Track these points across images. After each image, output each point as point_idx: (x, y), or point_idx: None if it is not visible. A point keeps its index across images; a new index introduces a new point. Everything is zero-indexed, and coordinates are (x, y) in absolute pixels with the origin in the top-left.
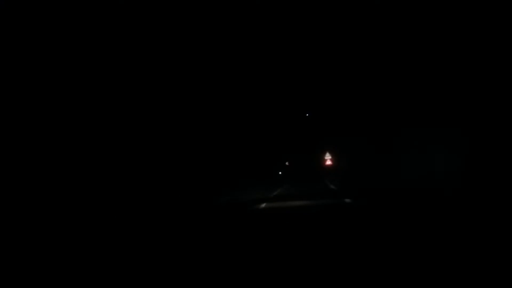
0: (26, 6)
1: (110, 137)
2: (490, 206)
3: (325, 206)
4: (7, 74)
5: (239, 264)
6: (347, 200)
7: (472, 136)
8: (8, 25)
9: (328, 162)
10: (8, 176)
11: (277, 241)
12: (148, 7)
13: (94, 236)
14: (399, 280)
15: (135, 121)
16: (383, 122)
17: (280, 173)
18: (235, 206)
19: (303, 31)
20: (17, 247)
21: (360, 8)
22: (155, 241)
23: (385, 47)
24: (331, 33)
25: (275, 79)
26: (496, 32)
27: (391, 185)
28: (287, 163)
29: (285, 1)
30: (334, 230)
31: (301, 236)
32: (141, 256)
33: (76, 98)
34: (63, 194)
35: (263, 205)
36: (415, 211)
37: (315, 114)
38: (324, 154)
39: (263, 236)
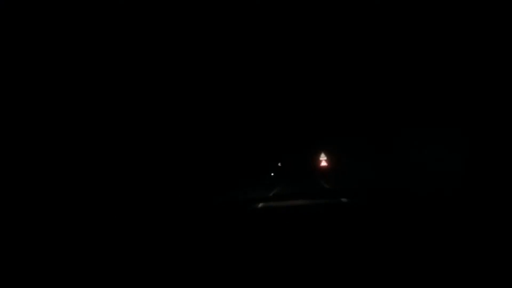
0: (26, 6)
1: (110, 137)
2: (490, 206)
3: (321, 206)
4: (7, 74)
5: (236, 264)
6: (344, 200)
7: (472, 136)
8: (8, 25)
9: (323, 163)
10: (7, 176)
11: (269, 240)
12: (148, 7)
13: (93, 235)
14: (398, 280)
15: (134, 122)
16: (382, 122)
17: (272, 174)
18: (228, 207)
19: (299, 28)
20: (17, 247)
21: (361, 7)
22: (152, 239)
23: (384, 46)
24: (328, 31)
25: (268, 78)
26: (496, 32)
27: (390, 185)
28: (279, 164)
29: (283, 0)
30: (330, 230)
31: (294, 235)
32: (139, 255)
33: (76, 98)
34: (62, 194)
35: (260, 205)
36: (414, 211)
37: (309, 113)
38: (319, 154)
39: (256, 236)
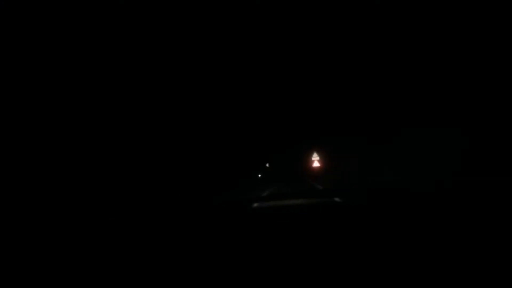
0: (26, 6)
1: (109, 137)
2: (490, 206)
3: (314, 206)
4: (7, 74)
5: (234, 264)
6: (337, 199)
7: (472, 136)
8: (8, 25)
9: (316, 164)
10: (7, 176)
11: (265, 240)
12: (147, 7)
13: (93, 235)
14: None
15: (133, 122)
16: (381, 122)
17: (259, 175)
18: (220, 208)
19: (294, 24)
20: (17, 247)
21: (360, 5)
22: (151, 239)
23: (383, 46)
24: (326, 29)
25: (258, 75)
26: (496, 32)
27: (388, 185)
28: (267, 165)
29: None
30: (324, 230)
31: (290, 235)
32: (139, 254)
33: (76, 98)
34: (62, 194)
35: (255, 204)
36: (412, 211)
37: (301, 111)
38: (310, 154)
39: (251, 236)
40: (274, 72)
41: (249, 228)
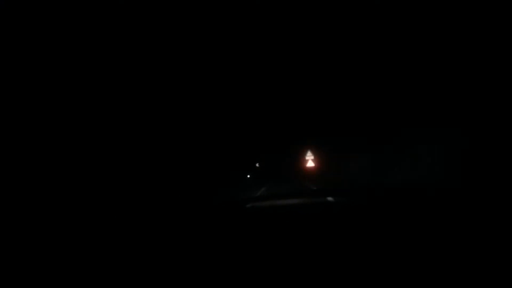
0: (26, 6)
1: (105, 138)
2: (489, 207)
3: (306, 206)
4: (7, 74)
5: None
6: (330, 199)
7: (472, 136)
8: (8, 25)
9: (310, 164)
10: (6, 176)
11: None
12: (147, 7)
13: (90, 234)
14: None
15: (130, 123)
16: (381, 122)
17: (248, 176)
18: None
19: (288, 19)
20: (17, 247)
21: (360, 4)
22: (150, 237)
23: (382, 45)
24: (325, 26)
25: (249, 72)
26: (496, 32)
27: (387, 185)
28: (257, 165)
29: None
30: (316, 230)
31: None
32: (138, 254)
33: (75, 97)
34: (59, 194)
35: (249, 205)
36: (410, 212)
37: (298, 111)
38: (304, 153)
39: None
40: (270, 70)
41: (241, 229)
